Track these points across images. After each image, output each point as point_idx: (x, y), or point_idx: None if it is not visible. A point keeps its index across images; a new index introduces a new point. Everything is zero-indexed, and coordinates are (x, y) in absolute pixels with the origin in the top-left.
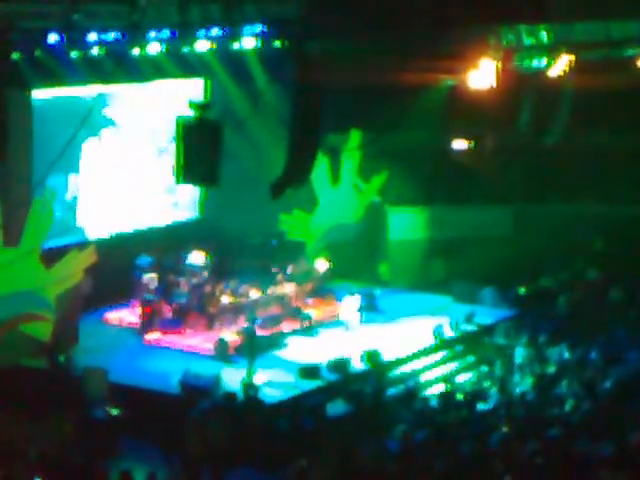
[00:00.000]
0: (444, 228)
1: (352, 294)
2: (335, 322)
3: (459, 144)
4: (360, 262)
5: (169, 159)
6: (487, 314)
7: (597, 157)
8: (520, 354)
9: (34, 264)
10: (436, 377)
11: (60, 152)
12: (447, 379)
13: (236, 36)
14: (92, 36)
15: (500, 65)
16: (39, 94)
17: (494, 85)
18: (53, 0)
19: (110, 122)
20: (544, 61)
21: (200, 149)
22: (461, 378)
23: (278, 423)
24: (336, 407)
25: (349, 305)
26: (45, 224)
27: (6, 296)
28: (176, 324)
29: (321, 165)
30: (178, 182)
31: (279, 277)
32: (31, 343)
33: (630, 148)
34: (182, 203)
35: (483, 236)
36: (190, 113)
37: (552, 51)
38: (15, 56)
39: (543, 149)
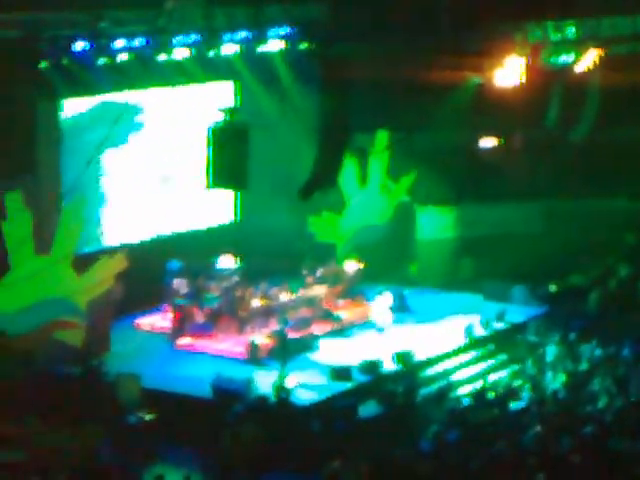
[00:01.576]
0: (473, 227)
1: (382, 294)
2: (366, 323)
3: (487, 142)
4: (390, 262)
5: (201, 163)
6: (518, 312)
7: (625, 152)
8: (552, 352)
9: (65, 271)
10: (468, 376)
11: (90, 159)
12: (479, 378)
13: (262, 39)
14: (119, 43)
15: (527, 62)
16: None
17: (521, 82)
18: (80, 8)
19: (139, 127)
20: (571, 57)
21: (229, 153)
22: (493, 377)
23: (311, 425)
24: (368, 408)
25: (380, 305)
26: (76, 231)
27: (38, 303)
28: (207, 328)
29: (350, 166)
30: (209, 186)
31: (309, 279)
32: (64, 350)
33: None
34: (212, 207)
35: (513, 234)
36: (220, 118)
37: (579, 46)
38: (43, 65)
39: (572, 145)
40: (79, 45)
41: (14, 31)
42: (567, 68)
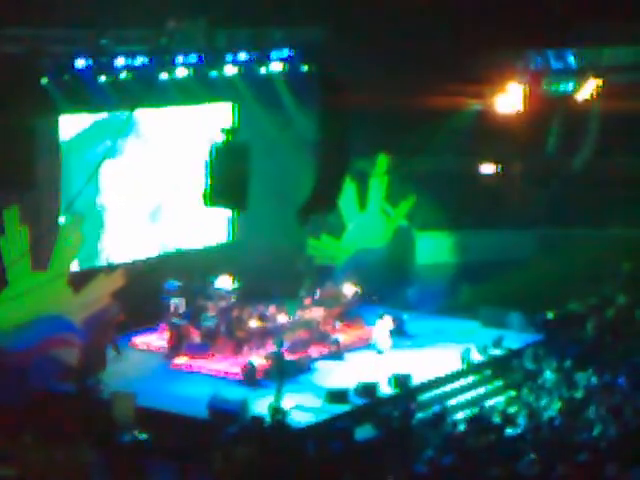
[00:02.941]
0: (471, 252)
1: (383, 317)
2: (363, 346)
3: (486, 168)
4: (388, 286)
5: (199, 183)
6: (515, 339)
7: (625, 181)
8: (548, 379)
9: (62, 288)
10: (464, 401)
11: (90, 176)
12: (475, 403)
13: (263, 60)
14: (120, 60)
15: (528, 89)
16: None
17: (522, 109)
18: (81, 25)
19: (138, 146)
20: (572, 85)
21: (229, 172)
22: (489, 402)
23: (306, 447)
24: (364, 431)
25: (381, 328)
26: (73, 248)
27: (35, 320)
28: (204, 348)
29: (349, 189)
30: (207, 205)
31: (307, 301)
32: (59, 367)
33: None
34: (211, 226)
35: (510, 260)
36: (219, 138)
37: (580, 75)
38: (44, 81)
39: (571, 173)
40: (80, 62)
41: (16, 47)
42: (567, 96)
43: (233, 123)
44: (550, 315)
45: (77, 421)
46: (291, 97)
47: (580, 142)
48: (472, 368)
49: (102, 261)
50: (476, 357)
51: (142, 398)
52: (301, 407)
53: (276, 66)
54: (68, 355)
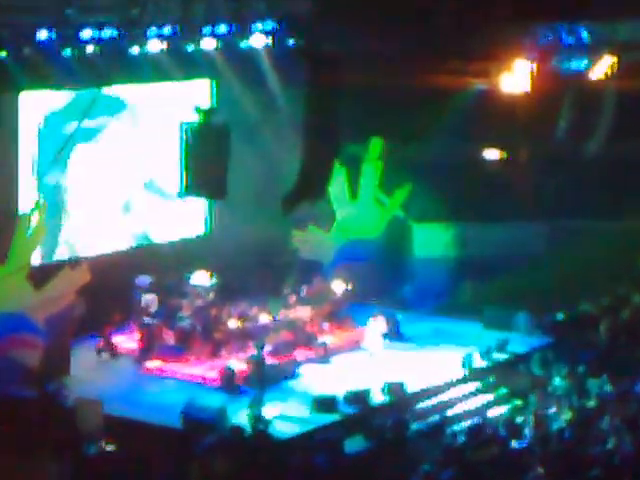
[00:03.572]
0: (474, 246)
1: (375, 317)
2: (354, 349)
3: (490, 154)
4: (382, 283)
5: (175, 169)
6: (521, 342)
7: None
8: (557, 386)
9: (22, 283)
10: (465, 411)
11: (52, 160)
12: (477, 413)
13: (245, 34)
14: (87, 33)
15: (536, 67)
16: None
17: (529, 89)
18: None
19: (107, 127)
20: (585, 63)
21: (206, 158)
22: (493, 412)
23: (290, 461)
24: (355, 443)
25: (373, 329)
26: (34, 240)
27: None
28: (178, 351)
29: (339, 176)
30: (183, 194)
31: (292, 300)
32: (18, 371)
33: None
34: (186, 217)
35: (517, 255)
36: (195, 119)
37: (594, 52)
38: (2, 55)
39: (583, 159)
40: (43, 34)
41: None
42: (580, 75)
43: (211, 103)
44: (560, 316)
45: (38, 430)
46: (275, 74)
47: (594, 125)
48: (474, 374)
49: (66, 254)
50: (478, 362)
51: (110, 405)
52: (285, 416)
53: (259, 40)
54: (28, 357)
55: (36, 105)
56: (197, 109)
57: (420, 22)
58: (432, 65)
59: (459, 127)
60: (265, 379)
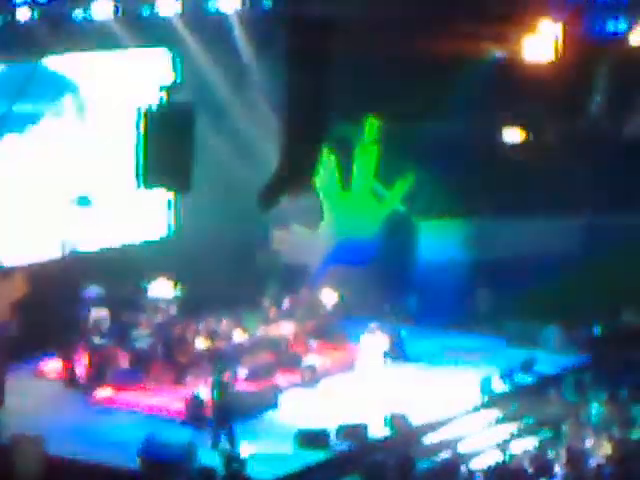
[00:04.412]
0: (491, 246)
1: (373, 332)
2: (347, 372)
3: (510, 136)
4: (381, 292)
5: (129, 157)
6: (550, 361)
7: None
8: (595, 414)
9: None
10: (484, 445)
11: None
12: (498, 448)
13: None
14: None
15: (564, 30)
16: None
17: (556, 57)
18: None
19: (44, 112)
20: (624, 24)
21: (167, 143)
22: (517, 446)
23: None
24: None
25: (370, 347)
26: None
27: None
28: (135, 377)
29: (328, 164)
30: (140, 186)
31: (272, 313)
32: None
33: None
34: (143, 215)
35: (544, 257)
36: (154, 97)
37: (634, 10)
38: None
39: (622, 140)
40: None
41: None
42: (618, 39)
43: (172, 78)
44: (597, 330)
45: None
46: (249, 42)
47: (634, 99)
48: (494, 401)
49: None
50: (499, 386)
51: (52, 443)
52: (264, 455)
53: (229, 2)
54: None
55: None
56: (157, 85)
57: None
58: (439, 29)
59: (472, 103)
60: (229, 410)
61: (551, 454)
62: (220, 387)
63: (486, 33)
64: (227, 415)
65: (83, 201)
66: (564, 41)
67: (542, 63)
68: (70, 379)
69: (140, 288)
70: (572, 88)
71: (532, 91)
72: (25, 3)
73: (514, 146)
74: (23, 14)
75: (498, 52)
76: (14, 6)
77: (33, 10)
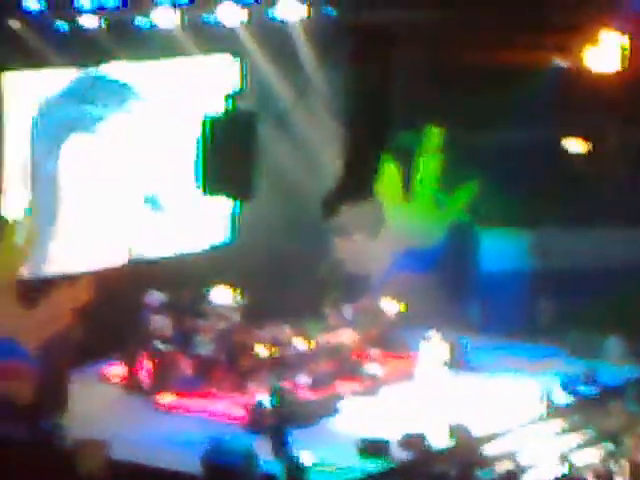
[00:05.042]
0: (555, 257)
1: (433, 342)
2: (408, 380)
3: (574, 145)
4: (442, 301)
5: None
6: (613, 373)
7: None
8: None
9: (8, 303)
10: (545, 457)
11: (44, 156)
12: (559, 460)
13: (275, 1)
14: (84, 2)
15: (629, 39)
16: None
17: (622, 66)
18: None
19: (108, 117)
20: None
21: (231, 150)
22: (579, 458)
23: None
24: None
25: (431, 357)
26: (24, 250)
27: None
28: (197, 383)
29: (389, 173)
30: (203, 194)
31: (333, 321)
32: (5, 406)
33: None
34: (206, 223)
35: (608, 267)
36: (218, 104)
37: None
38: None
39: None
40: (31, 3)
41: None
42: None
43: (236, 85)
44: None
45: (29, 478)
46: (312, 50)
47: None
48: (555, 412)
49: (61, 267)
50: (561, 397)
51: (116, 448)
52: (325, 462)
53: (292, 9)
54: (18, 390)
55: (24, 89)
56: (220, 94)
57: None
58: (501, 38)
59: (535, 112)
60: (289, 418)
61: (613, 466)
62: (280, 394)
63: (549, 43)
64: (287, 422)
65: (154, 204)
66: (628, 50)
67: (606, 73)
68: (133, 384)
69: (202, 295)
70: (636, 99)
71: (595, 101)
72: (90, 10)
73: (577, 156)
74: (88, 21)
75: (561, 62)
76: (80, 13)
77: (100, 18)
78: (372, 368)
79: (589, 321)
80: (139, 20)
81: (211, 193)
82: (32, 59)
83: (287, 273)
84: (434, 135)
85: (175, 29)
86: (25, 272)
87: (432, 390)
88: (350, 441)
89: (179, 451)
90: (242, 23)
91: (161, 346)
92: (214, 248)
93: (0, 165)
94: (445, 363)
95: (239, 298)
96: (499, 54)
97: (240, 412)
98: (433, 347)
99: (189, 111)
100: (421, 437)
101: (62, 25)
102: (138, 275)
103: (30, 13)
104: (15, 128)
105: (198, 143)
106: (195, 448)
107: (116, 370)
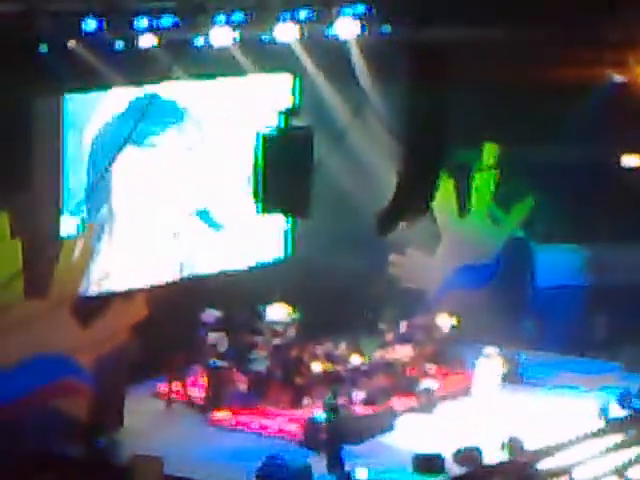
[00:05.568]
0: (611, 272)
1: (490, 357)
2: (464, 396)
3: (631, 160)
4: (498, 317)
5: (248, 180)
6: None
7: None
8: None
9: (66, 319)
10: (601, 472)
11: (100, 174)
12: (615, 474)
13: (331, 19)
14: (142, 22)
15: None
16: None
17: None
18: None
19: (163, 132)
20: None
21: (286, 168)
22: (634, 473)
23: None
24: None
25: (487, 372)
26: (80, 267)
27: (30, 361)
28: (252, 399)
29: (445, 190)
30: (259, 212)
31: (389, 337)
32: (63, 423)
33: None
34: (261, 240)
35: None
36: (273, 121)
37: None
38: (43, 49)
39: None
40: (90, 24)
41: (5, 4)
42: None
43: (293, 103)
44: None
45: None
46: (368, 68)
47: None
48: (612, 426)
49: (118, 285)
50: (617, 412)
51: (171, 464)
52: (380, 477)
53: (347, 27)
54: (74, 407)
55: (83, 109)
56: (276, 111)
57: (547, 5)
58: (558, 54)
59: (591, 128)
60: (343, 433)
61: None
62: (334, 410)
63: (606, 59)
64: (341, 438)
65: (210, 221)
66: None
67: None
68: (188, 401)
69: (258, 311)
70: None
71: None
72: (148, 30)
73: (633, 171)
74: (146, 40)
75: (617, 78)
76: (136, 33)
77: (155, 37)
78: (428, 384)
79: None
80: (196, 39)
81: (268, 211)
82: (91, 79)
83: (342, 289)
84: (490, 152)
85: (231, 47)
86: (82, 290)
87: (488, 405)
88: (405, 456)
89: (234, 467)
90: (297, 40)
91: (216, 362)
92: (270, 264)
93: (59, 186)
94: (502, 378)
95: (294, 314)
96: (556, 70)
97: (295, 428)
98: (489, 363)
99: (245, 128)
100: (476, 452)
101: (120, 45)
102: (194, 292)
103: (89, 34)
104: (74, 148)
105: (254, 160)
106: (250, 464)
107: (171, 386)
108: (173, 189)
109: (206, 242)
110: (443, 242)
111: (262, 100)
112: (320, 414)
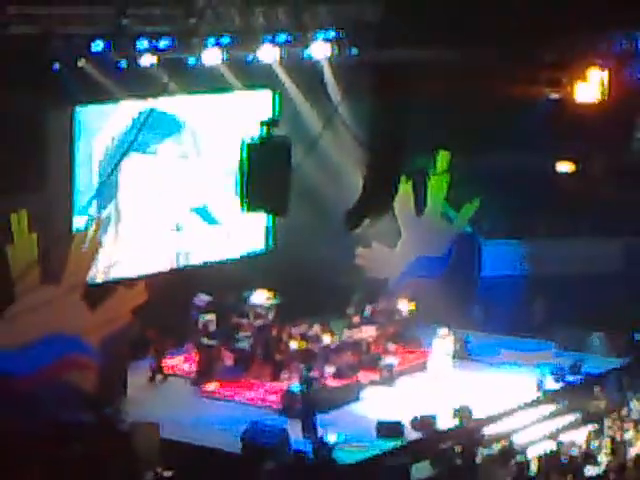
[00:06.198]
0: (546, 264)
1: (442, 337)
2: (420, 371)
3: (563, 167)
4: (449, 302)
5: (232, 183)
6: (596, 364)
7: None
8: (636, 409)
9: (76, 304)
10: (537, 436)
11: (108, 174)
12: (550, 439)
13: (306, 42)
14: (143, 43)
15: (610, 76)
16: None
17: (603, 99)
18: (99, 2)
19: (162, 140)
20: None
21: (267, 171)
22: (566, 438)
23: None
24: (421, 470)
25: (440, 350)
26: (89, 257)
27: (45, 340)
28: (238, 373)
29: (404, 191)
30: (243, 210)
31: (356, 319)
32: (73, 394)
33: None
34: (245, 234)
35: (592, 273)
36: (256, 131)
37: None
38: (56, 67)
39: None
40: (98, 45)
41: (23, 27)
42: None
43: (273, 115)
44: (638, 337)
45: (98, 456)
46: (338, 84)
47: None
48: (547, 397)
49: (122, 273)
50: (551, 385)
51: (167, 429)
52: (348, 441)
53: (321, 49)
54: (83, 380)
55: (92, 119)
56: (258, 122)
57: (489, 29)
58: (502, 73)
59: (531, 138)
60: (317, 403)
61: (596, 444)
62: (308, 382)
63: (543, 78)
64: (314, 407)
65: (206, 216)
66: (610, 85)
67: (591, 104)
68: (183, 375)
69: (243, 296)
70: (617, 126)
71: (582, 128)
72: (148, 50)
73: (566, 176)
74: (146, 59)
75: (552, 94)
76: (138, 53)
77: (154, 56)
78: (389, 360)
79: (575, 319)
80: (190, 59)
81: (250, 209)
82: (99, 93)
83: (316, 278)
84: (443, 158)
85: (219, 66)
86: (90, 277)
87: (441, 379)
88: (369, 423)
89: (221, 432)
90: (277, 60)
91: (207, 341)
92: (253, 256)
93: (70, 186)
94: (453, 356)
95: (275, 299)
96: (499, 88)
97: (275, 398)
98: (442, 342)
99: (231, 137)
100: (431, 419)
101: (124, 63)
102: (187, 279)
103: (97, 54)
104: (84, 154)
105: (239, 165)
106: (235, 429)
107: (168, 362)
108: (170, 190)
109: (199, 236)
110: (403, 237)
111: (246, 112)
112: (296, 386)
